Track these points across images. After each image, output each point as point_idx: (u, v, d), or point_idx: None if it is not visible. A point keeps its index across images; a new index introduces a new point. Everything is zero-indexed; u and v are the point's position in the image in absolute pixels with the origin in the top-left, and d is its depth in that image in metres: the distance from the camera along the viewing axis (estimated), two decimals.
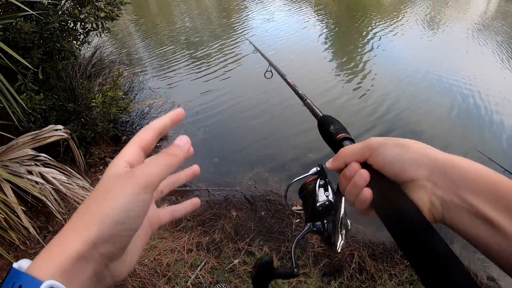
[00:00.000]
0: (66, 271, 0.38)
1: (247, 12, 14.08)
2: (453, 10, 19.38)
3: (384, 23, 12.74)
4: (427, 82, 7.50)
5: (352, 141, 0.73)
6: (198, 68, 7.75)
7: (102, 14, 3.90)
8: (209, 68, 7.75)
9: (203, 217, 3.55)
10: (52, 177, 3.04)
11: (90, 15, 3.77)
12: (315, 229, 0.76)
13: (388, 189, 0.57)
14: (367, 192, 0.58)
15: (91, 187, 3.27)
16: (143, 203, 0.44)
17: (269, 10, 14.20)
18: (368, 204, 0.59)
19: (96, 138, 4.29)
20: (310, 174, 0.82)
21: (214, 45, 9.39)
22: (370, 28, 12.01)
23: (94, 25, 3.96)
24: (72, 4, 3.72)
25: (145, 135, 0.50)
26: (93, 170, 4.09)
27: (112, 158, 4.28)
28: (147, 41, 10.12)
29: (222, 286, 2.85)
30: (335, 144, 0.74)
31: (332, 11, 15.19)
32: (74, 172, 3.25)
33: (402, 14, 15.32)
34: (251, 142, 5.10)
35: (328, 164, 0.68)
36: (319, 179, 0.81)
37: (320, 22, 12.48)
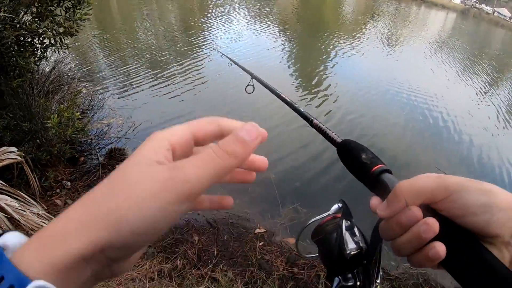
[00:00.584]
0: (61, 271, 0.32)
1: (213, 30, 14.07)
2: (412, 29, 20.14)
3: (346, 43, 13.07)
4: (388, 99, 7.78)
5: (391, 173, 0.59)
6: (161, 86, 7.61)
7: (61, 30, 3.78)
8: (172, 86, 7.63)
9: (164, 243, 3.45)
10: (5, 204, 2.89)
11: (49, 30, 3.64)
12: (349, 284, 0.66)
13: (469, 246, 0.47)
14: (440, 249, 0.47)
15: (46, 214, 3.13)
16: (176, 215, 0.36)
17: (236, 29, 14.24)
18: (437, 262, 0.48)
19: (52, 160, 4.12)
20: (330, 214, 0.72)
21: (179, 64, 9.27)
22: (332, 47, 12.28)
23: (53, 41, 3.83)
24: (31, 17, 3.59)
25: (206, 126, 0.43)
26: (49, 193, 3.91)
27: (69, 180, 4.13)
28: (109, 58, 9.90)
29: None
30: (371, 178, 0.59)
31: (296, 30, 15.43)
32: (29, 198, 3.10)
33: (364, 33, 15.76)
34: None
35: (382, 209, 0.53)
36: (344, 220, 0.70)
37: (285, 43, 12.62)
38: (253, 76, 1.75)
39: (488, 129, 7.38)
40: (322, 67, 10.05)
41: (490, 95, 10.11)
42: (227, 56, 2.72)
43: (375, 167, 0.58)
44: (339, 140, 0.71)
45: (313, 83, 8.72)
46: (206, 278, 3.09)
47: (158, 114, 6.28)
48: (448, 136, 6.70)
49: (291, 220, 3.96)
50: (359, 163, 0.61)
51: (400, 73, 10.32)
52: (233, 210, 4.02)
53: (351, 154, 0.64)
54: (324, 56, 11.22)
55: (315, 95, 7.79)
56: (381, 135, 6.29)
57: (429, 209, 0.50)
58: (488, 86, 11.14)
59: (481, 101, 9.47)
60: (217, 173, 0.37)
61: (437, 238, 0.47)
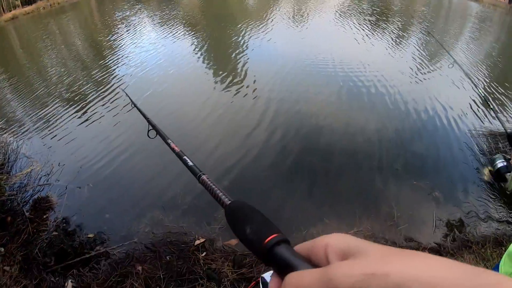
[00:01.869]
0: None
1: (122, 48, 13.64)
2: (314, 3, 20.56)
3: (256, 28, 13.17)
4: (306, 73, 7.95)
5: (288, 242, 0.49)
6: (75, 125, 7.20)
7: None
8: (87, 121, 7.27)
9: (110, 282, 3.40)
10: None
11: None
12: None
13: None
14: None
15: None
16: None
17: (150, 40, 13.88)
18: None
19: None
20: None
21: (92, 96, 8.88)
22: (243, 34, 12.35)
23: None
24: None
25: None
26: None
27: (2, 245, 3.97)
28: (20, 100, 9.45)
29: None
30: (263, 253, 0.49)
31: (207, 28, 15.33)
32: None
33: (271, 16, 15.97)
34: (137, 188, 4.96)
35: None
36: None
37: (199, 43, 12.50)
38: (151, 124, 1.76)
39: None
40: (238, 57, 10.08)
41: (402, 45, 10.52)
42: (130, 98, 2.73)
43: (267, 240, 0.49)
44: (227, 201, 0.67)
45: (231, 74, 8.74)
46: None
47: (74, 153, 6.04)
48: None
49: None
50: (245, 238, 0.53)
51: (314, 47, 10.50)
52: (168, 227, 4.01)
53: (238, 225, 0.57)
54: (239, 46, 11.24)
55: (238, 85, 7.83)
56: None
57: None
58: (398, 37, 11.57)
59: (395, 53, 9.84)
60: None
61: None
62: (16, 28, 25.28)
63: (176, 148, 1.22)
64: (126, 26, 17.57)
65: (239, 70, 8.89)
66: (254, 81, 7.86)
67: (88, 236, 4.07)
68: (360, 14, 16.18)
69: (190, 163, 0.99)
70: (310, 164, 5.05)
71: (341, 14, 16.59)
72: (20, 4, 36.05)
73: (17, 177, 5.23)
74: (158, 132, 1.53)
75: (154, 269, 3.46)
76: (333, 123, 5.95)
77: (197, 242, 3.65)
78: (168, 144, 1.31)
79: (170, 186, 4.78)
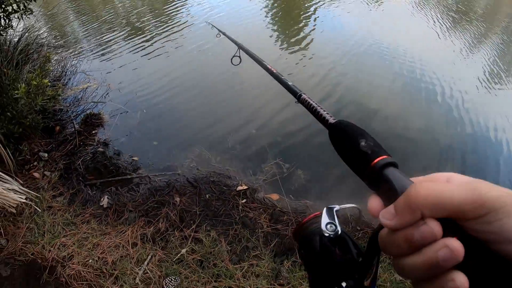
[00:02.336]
0: None
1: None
2: None
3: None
4: (375, 55, 7.66)
5: (397, 167, 0.46)
6: (137, 49, 7.30)
7: None
8: (150, 48, 7.30)
9: (146, 206, 3.42)
10: None
11: None
12: None
13: (505, 282, 0.36)
14: (462, 283, 0.36)
15: (23, 189, 3.08)
16: None
17: None
18: None
19: (27, 132, 4.02)
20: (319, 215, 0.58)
21: (157, 26, 8.92)
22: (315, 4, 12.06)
23: (15, 7, 3.67)
24: None
25: None
26: (27, 167, 3.83)
27: (46, 151, 4.06)
28: (81, 21, 9.51)
29: (172, 279, 2.77)
30: (372, 172, 0.47)
31: None
32: (3, 175, 3.04)
33: None
34: (191, 122, 4.94)
35: (387, 217, 0.41)
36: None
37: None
38: (240, 46, 1.71)
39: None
40: (305, 26, 9.86)
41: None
42: (216, 27, 2.68)
43: (377, 159, 0.46)
44: (332, 120, 0.61)
45: (296, 42, 8.56)
46: (190, 239, 3.09)
47: (133, 76, 6.11)
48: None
49: (273, 175, 3.91)
50: (356, 152, 0.50)
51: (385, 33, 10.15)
52: (214, 167, 3.99)
53: (347, 140, 0.53)
54: (307, 13, 10.99)
55: (301, 55, 7.66)
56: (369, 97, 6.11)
57: (451, 225, 0.38)
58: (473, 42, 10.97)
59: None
60: None
61: (458, 266, 0.36)
62: None
63: (273, 69, 1.14)
64: None
65: (303, 35, 8.71)
66: (313, 54, 7.67)
67: (133, 158, 4.10)
68: (442, 7, 15.52)
69: (290, 83, 0.92)
70: None
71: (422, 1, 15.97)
72: None
73: (73, 90, 5.31)
74: (251, 55, 1.43)
75: (192, 204, 3.46)
76: (384, 110, 5.67)
77: (240, 188, 3.62)
78: (265, 66, 1.22)
79: (223, 128, 4.74)
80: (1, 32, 3.92)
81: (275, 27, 9.41)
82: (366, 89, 6.09)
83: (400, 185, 0.42)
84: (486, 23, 12.08)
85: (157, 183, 3.76)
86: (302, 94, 0.80)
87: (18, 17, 3.92)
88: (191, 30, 8.26)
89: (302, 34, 8.63)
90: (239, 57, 1.76)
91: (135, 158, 4.11)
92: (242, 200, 3.50)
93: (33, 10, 4.01)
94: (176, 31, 8.24)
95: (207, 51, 6.91)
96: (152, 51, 7.15)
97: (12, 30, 4.39)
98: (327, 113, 0.64)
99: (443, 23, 11.37)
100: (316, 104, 0.70)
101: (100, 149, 4.17)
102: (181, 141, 4.52)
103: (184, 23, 8.84)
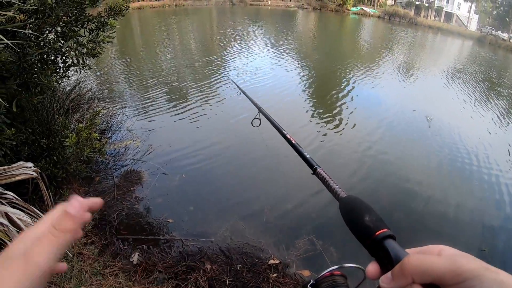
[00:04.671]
0: None
1: (229, 55, 14.28)
2: (431, 56, 20.27)
3: (363, 72, 13.19)
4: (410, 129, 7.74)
5: (395, 239, 0.55)
6: (179, 113, 7.67)
7: (84, 50, 3.79)
8: (190, 112, 7.69)
9: (176, 269, 3.35)
10: (17, 218, 2.85)
11: (72, 50, 3.65)
12: None
13: None
14: None
15: None
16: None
17: (253, 56, 14.44)
18: None
19: (67, 178, 4.09)
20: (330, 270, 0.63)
21: (197, 90, 9.38)
22: (349, 76, 12.38)
23: (75, 60, 3.84)
24: (55, 36, 3.61)
25: (62, 221, 0.53)
26: None
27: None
28: (130, 80, 10.08)
29: None
30: (373, 243, 0.55)
31: (314, 59, 15.60)
32: (41, 215, 3.05)
33: (381, 62, 15.95)
34: (228, 191, 4.96)
35: (385, 282, 0.51)
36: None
37: (303, 71, 12.73)
38: (260, 110, 1.74)
39: None
40: (339, 95, 10.10)
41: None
42: (237, 86, 2.75)
43: (379, 232, 0.55)
44: (343, 194, 0.69)
45: (330, 109, 8.72)
46: None
47: (175, 138, 6.29)
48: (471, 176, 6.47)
49: (306, 251, 3.84)
50: (361, 224, 0.58)
51: (419, 104, 10.26)
52: (247, 239, 3.93)
53: (354, 213, 0.61)
54: (342, 85, 11.28)
55: (333, 119, 7.79)
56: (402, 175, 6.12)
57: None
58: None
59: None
60: (61, 249, 0.51)
61: None
62: (140, 16, 27.26)
63: (292, 139, 1.15)
64: (240, 38, 18.35)
65: (338, 109, 8.87)
66: (354, 125, 7.75)
67: (168, 220, 4.09)
68: (472, 77, 15.67)
69: (307, 155, 0.95)
70: (396, 219, 4.80)
71: (453, 72, 16.19)
72: None
73: (116, 145, 5.43)
74: (270, 120, 1.44)
75: (222, 273, 3.37)
76: (425, 190, 5.63)
77: (272, 261, 3.54)
78: (283, 134, 1.23)
79: (259, 199, 4.75)
80: (58, 81, 4.07)
81: (310, 101, 9.65)
82: (403, 165, 6.16)
83: (395, 254, 0.52)
84: None
85: (189, 247, 3.71)
86: (318, 167, 0.86)
87: (76, 70, 4.08)
88: (232, 98, 8.62)
89: (337, 109, 8.89)
90: (259, 119, 1.81)
91: (170, 220, 4.09)
92: (273, 274, 3.40)
93: (91, 66, 4.18)
94: (217, 98, 8.57)
95: (247, 120, 7.05)
96: (194, 115, 7.47)
97: (66, 80, 4.56)
98: (339, 188, 0.72)
99: (478, 96, 11.54)
100: (330, 178, 0.78)
101: (136, 206, 4.18)
102: (217, 209, 4.51)
103: (226, 91, 9.20)
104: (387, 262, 0.52)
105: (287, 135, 1.19)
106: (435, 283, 0.46)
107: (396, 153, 6.70)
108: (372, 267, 0.54)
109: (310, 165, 0.90)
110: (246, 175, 5.39)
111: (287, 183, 5.18)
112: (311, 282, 0.63)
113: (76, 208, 0.54)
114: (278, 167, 5.59)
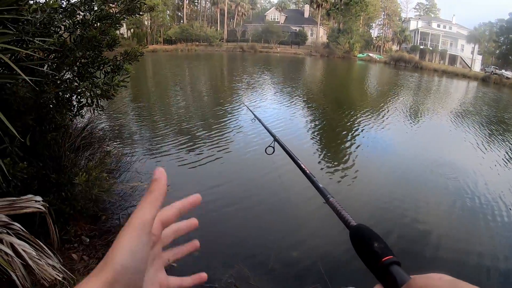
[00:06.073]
0: None
1: (239, 102, 14.49)
2: (436, 99, 20.45)
3: (370, 117, 13.32)
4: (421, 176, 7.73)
5: (400, 265, 0.59)
6: (187, 155, 7.77)
7: (99, 92, 3.89)
8: (197, 156, 7.78)
9: None
10: (23, 250, 2.87)
11: (87, 90, 3.76)
12: None
13: None
14: None
15: (61, 267, 3.08)
16: (143, 244, 0.47)
17: (264, 102, 14.72)
18: None
19: (74, 214, 4.12)
20: None
21: (206, 134, 9.53)
22: (357, 122, 12.49)
23: (89, 101, 3.94)
24: (72, 76, 3.73)
25: (168, 212, 0.58)
26: (67, 246, 3.86)
27: (88, 237, 4.10)
28: (140, 123, 10.26)
29: None
30: (380, 268, 0.59)
31: (321, 104, 15.77)
32: (46, 248, 3.07)
33: (388, 106, 16.09)
34: (234, 235, 4.95)
35: None
36: None
37: (311, 117, 12.88)
38: (275, 139, 1.78)
39: None
40: (346, 142, 10.17)
41: None
42: (252, 112, 2.79)
43: (385, 258, 0.59)
44: (353, 223, 0.73)
45: (337, 158, 8.76)
46: None
47: (183, 180, 6.35)
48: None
49: None
50: (370, 251, 0.62)
51: (428, 148, 10.29)
52: (251, 286, 3.87)
53: (364, 240, 0.65)
54: (349, 130, 11.37)
55: (340, 170, 7.81)
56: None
57: None
58: None
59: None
60: (152, 203, 0.53)
61: None
62: (153, 59, 27.75)
63: (306, 169, 1.19)
64: (248, 83, 18.72)
65: (346, 157, 8.91)
66: (357, 171, 7.78)
67: (172, 264, 4.06)
68: (479, 118, 15.67)
69: (320, 185, 1.00)
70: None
71: (460, 115, 16.21)
72: (162, 41, 40.33)
73: (124, 185, 5.46)
74: (285, 150, 1.47)
75: None
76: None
77: None
78: (298, 164, 1.27)
79: (265, 246, 4.70)
80: (72, 119, 4.17)
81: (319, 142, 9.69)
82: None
83: (400, 279, 0.54)
84: None
85: None
86: (331, 197, 0.90)
87: (90, 110, 4.18)
88: (239, 140, 8.93)
89: (348, 156, 8.96)
90: (273, 147, 1.83)
91: (174, 265, 4.05)
92: None
93: (104, 108, 4.28)
94: (227, 139, 8.70)
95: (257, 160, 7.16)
96: (202, 158, 7.59)
97: (79, 118, 4.65)
98: (350, 216, 0.76)
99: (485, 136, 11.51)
100: (341, 207, 0.81)
101: None
102: (223, 254, 4.46)
103: (234, 130, 9.33)
104: (393, 286, 0.55)
105: (302, 165, 1.22)
106: None
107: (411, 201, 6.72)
108: None
109: (323, 195, 0.94)
110: (256, 219, 5.41)
111: (297, 228, 5.17)
112: None
113: (157, 174, 0.55)
114: (290, 210, 5.64)
